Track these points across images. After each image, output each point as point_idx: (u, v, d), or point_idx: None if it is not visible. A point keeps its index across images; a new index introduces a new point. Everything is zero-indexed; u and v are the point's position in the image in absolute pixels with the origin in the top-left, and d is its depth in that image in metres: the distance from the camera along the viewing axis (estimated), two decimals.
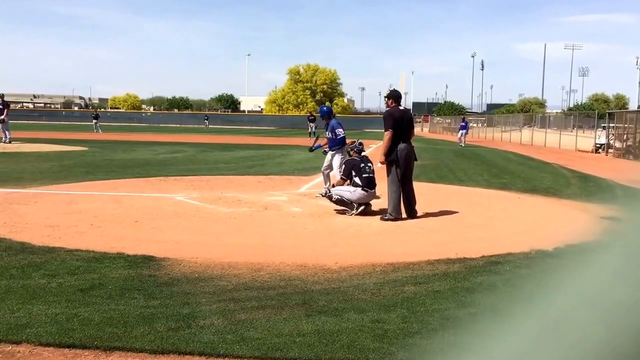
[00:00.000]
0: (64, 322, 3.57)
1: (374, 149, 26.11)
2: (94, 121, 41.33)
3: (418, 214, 7.75)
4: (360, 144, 8.36)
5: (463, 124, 33.94)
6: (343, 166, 8.41)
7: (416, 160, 7.82)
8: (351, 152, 8.35)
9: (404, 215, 7.42)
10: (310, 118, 35.31)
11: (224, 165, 15.98)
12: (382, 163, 7.67)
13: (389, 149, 7.41)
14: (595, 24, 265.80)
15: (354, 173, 7.86)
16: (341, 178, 8.08)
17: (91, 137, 31.63)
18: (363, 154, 8.27)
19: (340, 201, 7.80)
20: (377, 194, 8.02)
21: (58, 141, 25.62)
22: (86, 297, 4.07)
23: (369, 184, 7.79)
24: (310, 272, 4.92)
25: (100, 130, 39.29)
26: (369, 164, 8.00)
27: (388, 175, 7.58)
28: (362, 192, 7.73)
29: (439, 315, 3.87)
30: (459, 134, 33.25)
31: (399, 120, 7.44)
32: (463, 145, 31.39)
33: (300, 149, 25.16)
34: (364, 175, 7.80)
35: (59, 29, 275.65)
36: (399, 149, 7.39)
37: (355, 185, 7.79)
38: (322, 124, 10.07)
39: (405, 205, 7.60)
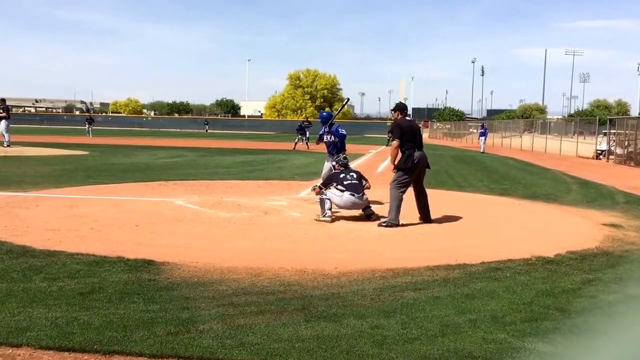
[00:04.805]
0: (64, 325, 3.58)
1: (373, 154, 26.15)
2: (89, 126, 41.83)
3: (418, 220, 7.79)
4: (345, 157, 8.77)
5: (482, 130, 34.17)
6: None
7: (429, 168, 8.00)
8: (336, 165, 8.60)
9: (402, 222, 7.46)
10: (302, 126, 30.04)
11: (224, 170, 16.00)
12: (393, 170, 7.80)
13: (405, 157, 7.60)
14: (597, 30, 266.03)
15: (334, 183, 7.98)
16: (318, 186, 8.23)
17: (92, 142, 31.67)
18: (348, 167, 8.61)
19: (322, 201, 7.83)
20: (379, 199, 8.05)
21: (59, 145, 25.68)
22: (86, 301, 4.07)
23: (355, 188, 7.86)
24: (309, 277, 4.92)
25: (89, 135, 39.72)
26: (351, 173, 8.19)
27: (393, 181, 7.65)
28: (349, 196, 7.78)
29: (439, 322, 3.87)
30: (480, 141, 33.52)
31: (406, 130, 7.69)
32: (482, 151, 31.82)
33: (300, 153, 25.19)
34: (345, 183, 7.91)
35: (62, 34, 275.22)
36: (415, 156, 7.61)
37: (341, 191, 7.85)
38: (314, 131, 10.24)
39: (420, 210, 7.84)
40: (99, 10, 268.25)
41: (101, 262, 5.13)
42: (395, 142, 7.64)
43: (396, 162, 7.72)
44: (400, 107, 8.03)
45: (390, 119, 66.00)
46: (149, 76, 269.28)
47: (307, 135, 29.49)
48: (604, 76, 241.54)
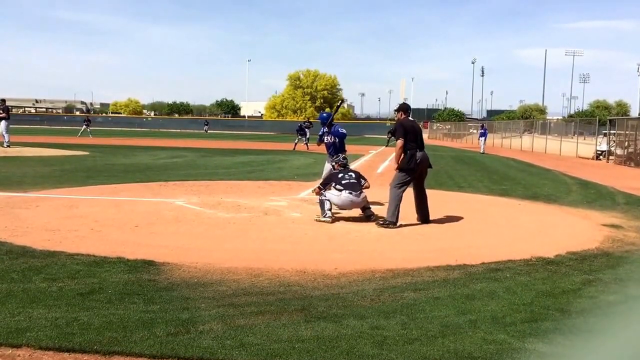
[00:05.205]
0: (63, 326, 3.57)
1: (373, 155, 26.16)
2: (86, 126, 41.35)
3: (416, 220, 7.80)
4: (344, 158, 8.79)
5: (482, 130, 34.24)
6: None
7: (430, 167, 8.06)
8: (335, 166, 8.61)
9: (400, 222, 7.47)
10: (302, 126, 30.42)
11: (224, 171, 16.00)
12: (397, 170, 7.81)
13: (408, 157, 7.62)
14: (596, 31, 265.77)
15: (333, 183, 8.01)
16: (317, 187, 8.28)
17: (92, 142, 31.66)
18: (347, 167, 8.62)
19: (322, 202, 7.85)
20: (379, 200, 8.06)
21: (59, 145, 25.68)
22: (86, 302, 4.07)
23: (353, 187, 7.89)
24: (309, 277, 4.92)
25: (80, 135, 39.30)
26: (350, 173, 8.22)
27: (394, 180, 7.66)
28: (348, 194, 7.81)
29: (439, 322, 3.87)
30: (480, 141, 33.58)
31: (409, 130, 7.74)
32: (482, 152, 31.90)
33: (300, 154, 25.19)
34: (343, 182, 7.94)
35: (62, 34, 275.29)
36: (417, 157, 7.65)
37: (339, 190, 7.87)
38: (314, 132, 10.25)
39: (418, 211, 7.86)
40: (99, 10, 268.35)
41: (101, 263, 5.13)
42: (399, 142, 7.65)
43: (399, 162, 7.73)
44: (404, 108, 8.08)
45: (390, 120, 66.04)
46: (149, 76, 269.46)
47: (308, 136, 29.58)
48: (604, 77, 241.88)
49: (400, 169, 7.68)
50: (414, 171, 7.65)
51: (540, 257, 5.89)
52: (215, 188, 11.30)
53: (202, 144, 34.28)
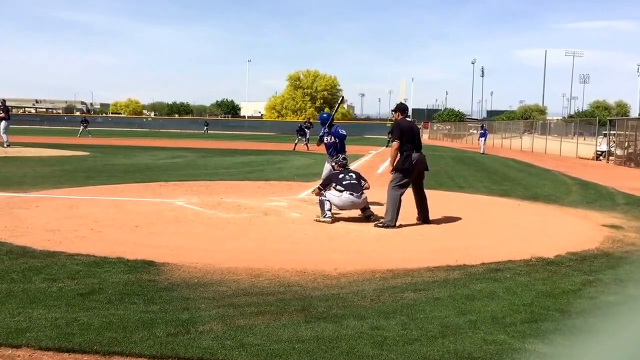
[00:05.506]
0: (63, 326, 3.57)
1: (373, 155, 26.16)
2: (84, 127, 41.14)
3: (416, 220, 7.80)
4: (344, 158, 8.79)
5: (482, 131, 34.31)
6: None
7: (427, 169, 8.01)
8: (335, 166, 8.61)
9: (400, 222, 7.46)
10: (302, 127, 30.70)
11: (224, 171, 16.00)
12: (391, 172, 7.80)
13: (403, 158, 7.60)
14: (596, 31, 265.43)
15: (334, 184, 8.00)
16: (317, 188, 8.26)
17: (92, 143, 31.66)
18: (347, 168, 8.64)
19: (322, 203, 7.85)
20: (379, 200, 8.06)
21: (59, 146, 25.67)
22: (86, 302, 4.07)
23: (353, 188, 7.88)
24: (309, 278, 4.92)
25: (80, 135, 39.22)
26: (350, 174, 8.20)
27: (391, 182, 7.65)
28: (348, 195, 7.80)
29: (439, 323, 3.87)
30: (480, 142, 33.63)
31: (406, 131, 7.70)
32: (482, 152, 31.98)
33: (300, 154, 25.20)
34: (344, 183, 7.93)
35: (62, 35, 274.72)
36: (413, 158, 7.62)
37: (339, 191, 7.87)
38: (314, 133, 10.24)
39: (419, 211, 7.86)
40: (99, 10, 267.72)
41: (101, 263, 5.13)
42: (395, 144, 7.65)
43: (394, 164, 7.71)
44: (401, 108, 8.05)
45: (390, 120, 66.04)
46: (149, 77, 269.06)
47: (308, 136, 29.63)
48: (603, 77, 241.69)
49: (396, 169, 7.65)
50: (410, 172, 7.61)
51: (540, 257, 5.89)
52: (215, 188, 11.31)
53: (202, 144, 34.30)
